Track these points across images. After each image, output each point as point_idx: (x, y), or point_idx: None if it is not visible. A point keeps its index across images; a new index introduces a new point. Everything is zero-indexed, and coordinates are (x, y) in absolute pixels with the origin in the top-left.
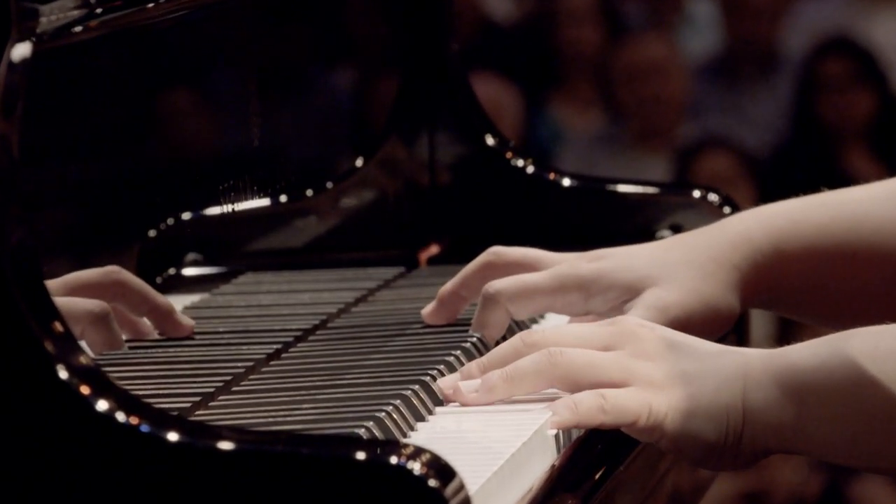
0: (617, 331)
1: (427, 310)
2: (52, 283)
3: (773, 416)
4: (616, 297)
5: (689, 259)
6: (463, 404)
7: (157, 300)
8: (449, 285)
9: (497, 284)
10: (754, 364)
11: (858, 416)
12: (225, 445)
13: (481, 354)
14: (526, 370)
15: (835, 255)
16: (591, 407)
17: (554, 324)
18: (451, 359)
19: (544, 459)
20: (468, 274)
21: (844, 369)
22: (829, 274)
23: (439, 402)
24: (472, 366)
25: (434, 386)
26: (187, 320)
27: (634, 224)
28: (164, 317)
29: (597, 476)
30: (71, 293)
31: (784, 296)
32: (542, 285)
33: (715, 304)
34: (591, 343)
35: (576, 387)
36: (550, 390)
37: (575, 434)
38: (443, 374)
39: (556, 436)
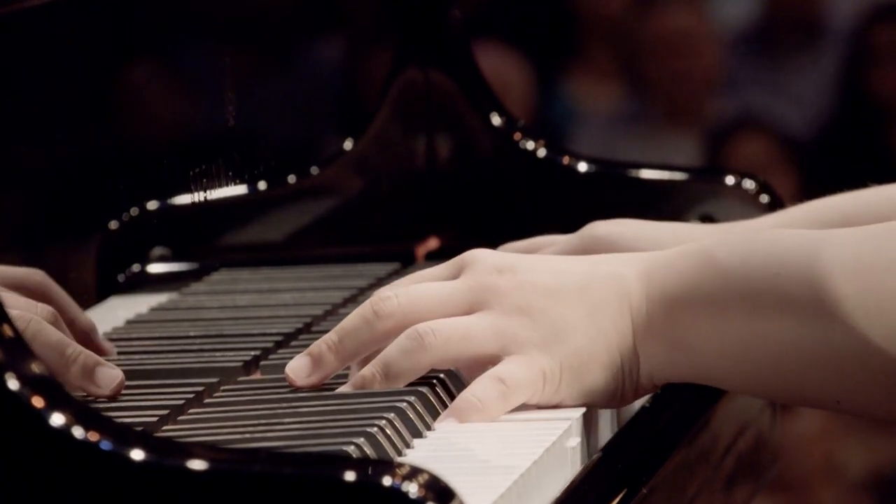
0: (475, 285)
1: None
2: None
3: (665, 341)
4: None
5: None
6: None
7: (80, 316)
8: None
9: None
10: (633, 289)
11: (757, 346)
12: (196, 465)
13: None
14: (399, 363)
15: None
16: (495, 398)
17: None
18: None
19: (557, 479)
20: None
21: (741, 293)
22: None
23: (439, 415)
24: (323, 348)
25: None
26: (108, 344)
27: (660, 214)
28: (83, 336)
29: (616, 500)
30: None
31: None
32: None
33: None
34: (454, 305)
35: (454, 364)
36: (556, 409)
37: (593, 450)
38: (444, 384)
39: (572, 453)
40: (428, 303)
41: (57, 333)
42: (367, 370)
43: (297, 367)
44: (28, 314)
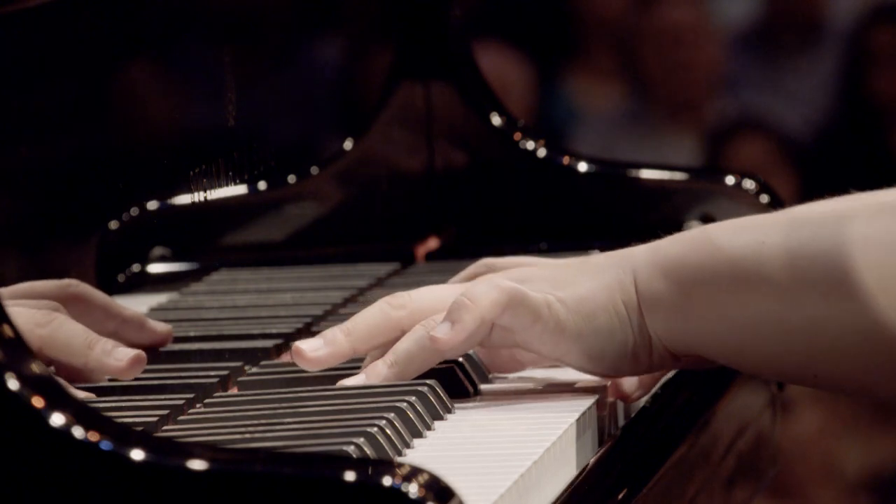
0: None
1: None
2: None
3: (665, 310)
4: None
5: None
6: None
7: (125, 313)
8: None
9: None
10: (639, 258)
11: (740, 319)
12: (196, 465)
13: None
14: (412, 353)
15: None
16: (490, 296)
17: None
18: (453, 366)
19: (558, 479)
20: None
21: (729, 266)
22: None
23: (439, 415)
24: (338, 335)
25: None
26: (163, 325)
27: (660, 214)
28: (137, 329)
29: (616, 500)
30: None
31: None
32: None
33: None
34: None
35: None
36: (556, 409)
37: (594, 450)
38: (444, 385)
39: (573, 453)
40: (436, 294)
41: (78, 325)
42: (381, 364)
43: (307, 343)
44: (52, 313)
